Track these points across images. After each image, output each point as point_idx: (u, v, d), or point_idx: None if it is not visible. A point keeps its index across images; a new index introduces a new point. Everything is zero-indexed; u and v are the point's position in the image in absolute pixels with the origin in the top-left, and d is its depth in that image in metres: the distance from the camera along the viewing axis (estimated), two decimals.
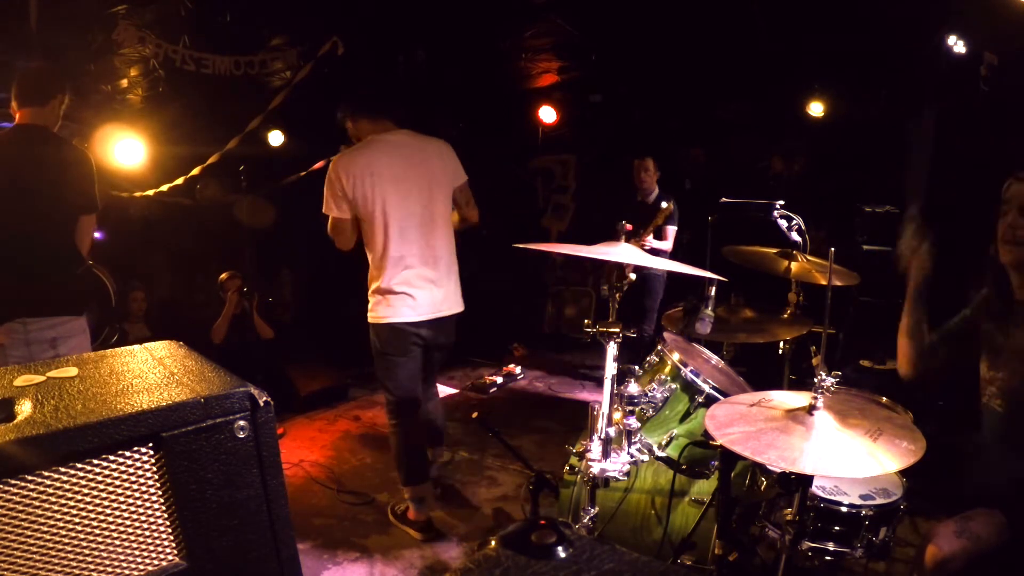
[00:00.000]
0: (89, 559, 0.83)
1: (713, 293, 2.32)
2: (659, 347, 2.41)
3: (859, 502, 2.00)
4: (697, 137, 6.37)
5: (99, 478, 0.83)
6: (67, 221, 2.74)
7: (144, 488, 0.87)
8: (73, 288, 2.80)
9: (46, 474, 0.79)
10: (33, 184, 2.61)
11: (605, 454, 1.86)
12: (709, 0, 4.41)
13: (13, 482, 0.77)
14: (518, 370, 5.66)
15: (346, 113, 2.92)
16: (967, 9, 4.14)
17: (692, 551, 2.17)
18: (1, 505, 0.77)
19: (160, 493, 0.88)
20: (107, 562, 0.84)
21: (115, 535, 0.85)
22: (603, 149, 7.01)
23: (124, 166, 4.21)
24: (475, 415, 2.48)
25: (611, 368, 1.87)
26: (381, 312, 2.85)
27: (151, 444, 0.87)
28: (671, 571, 1.27)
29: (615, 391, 1.91)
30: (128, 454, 0.85)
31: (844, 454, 1.44)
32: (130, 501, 0.86)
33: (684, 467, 2.04)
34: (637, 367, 2.18)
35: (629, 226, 1.99)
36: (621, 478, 1.89)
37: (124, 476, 0.85)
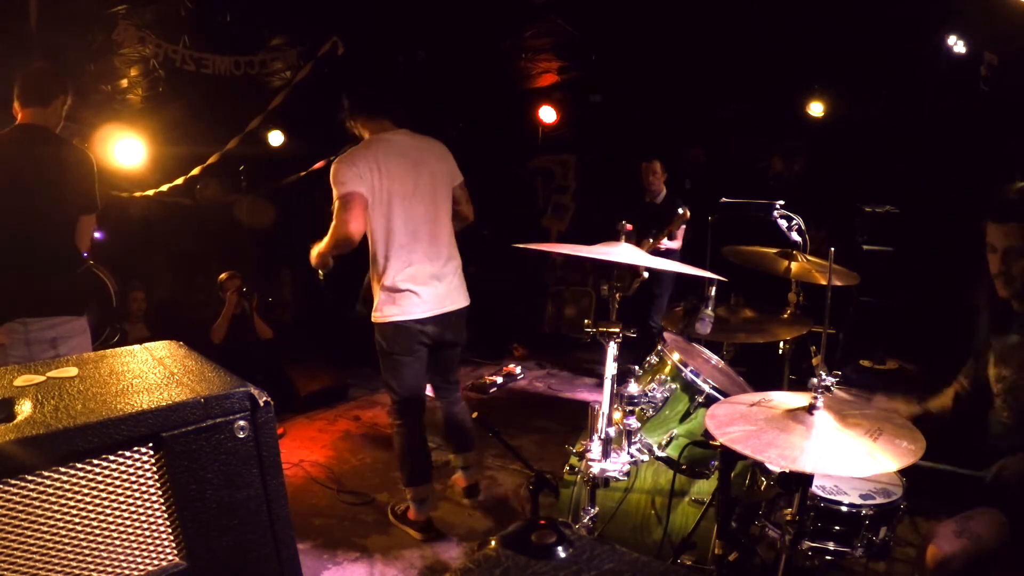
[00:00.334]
0: (89, 559, 0.83)
1: (713, 293, 2.32)
2: (659, 347, 2.41)
3: (859, 502, 2.00)
4: (697, 137, 6.37)
5: (99, 478, 0.83)
6: (68, 221, 2.74)
7: (144, 488, 0.87)
8: (73, 288, 2.80)
9: (46, 474, 0.79)
10: (34, 184, 2.61)
11: (605, 454, 1.86)
12: (709, 0, 4.42)
13: (13, 482, 0.77)
14: (518, 370, 5.66)
15: (346, 112, 2.92)
16: (967, 9, 4.15)
17: (692, 551, 2.17)
18: (1, 505, 0.77)
19: (160, 493, 0.88)
20: (107, 562, 0.84)
21: (115, 535, 0.85)
22: (603, 149, 7.01)
23: (124, 166, 4.21)
24: (475, 415, 2.49)
25: (611, 368, 1.87)
26: (387, 311, 2.83)
27: (151, 444, 0.87)
28: (671, 571, 1.27)
29: (615, 391, 1.91)
30: (128, 454, 0.85)
31: (844, 453, 1.44)
32: (130, 501, 0.86)
33: (684, 467, 2.04)
34: (637, 367, 2.18)
35: (629, 226, 1.98)
36: (621, 478, 1.89)
37: (124, 476, 0.85)
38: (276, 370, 4.87)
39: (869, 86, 5.06)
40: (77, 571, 0.82)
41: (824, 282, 2.29)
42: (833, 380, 1.62)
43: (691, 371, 2.25)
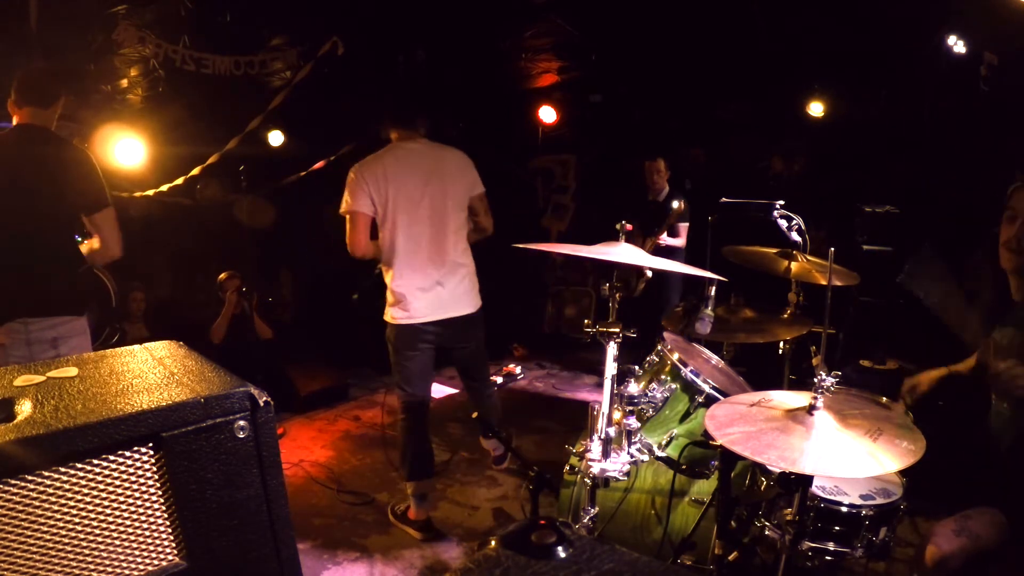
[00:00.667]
0: (89, 559, 0.83)
1: (713, 293, 2.31)
2: (659, 347, 2.41)
3: (859, 502, 2.00)
4: (697, 137, 6.37)
5: (99, 478, 0.83)
6: (68, 221, 2.74)
7: (144, 488, 0.87)
8: (74, 288, 2.80)
9: (46, 474, 0.79)
10: (33, 184, 2.61)
11: (605, 454, 1.86)
12: (709, 0, 4.41)
13: (13, 482, 0.77)
14: (518, 370, 5.67)
15: (379, 119, 3.14)
16: (967, 9, 4.14)
17: (692, 551, 2.17)
18: (1, 505, 0.77)
19: (160, 493, 0.88)
20: (107, 562, 0.84)
21: (115, 535, 0.85)
22: (603, 149, 7.01)
23: (124, 166, 4.22)
24: (475, 415, 2.50)
25: (611, 368, 1.87)
26: (392, 313, 3.03)
27: (151, 444, 0.87)
28: (671, 571, 1.27)
29: (615, 391, 1.91)
30: (128, 454, 0.85)
31: (844, 454, 1.44)
32: (130, 501, 0.86)
33: (684, 467, 2.04)
34: (637, 367, 2.18)
35: (630, 226, 1.98)
36: (621, 478, 1.89)
37: (124, 476, 0.85)
38: (276, 370, 4.87)
39: (869, 86, 5.05)
40: (77, 571, 0.82)
41: (824, 282, 2.29)
42: (833, 380, 1.62)
43: (691, 371, 2.25)
